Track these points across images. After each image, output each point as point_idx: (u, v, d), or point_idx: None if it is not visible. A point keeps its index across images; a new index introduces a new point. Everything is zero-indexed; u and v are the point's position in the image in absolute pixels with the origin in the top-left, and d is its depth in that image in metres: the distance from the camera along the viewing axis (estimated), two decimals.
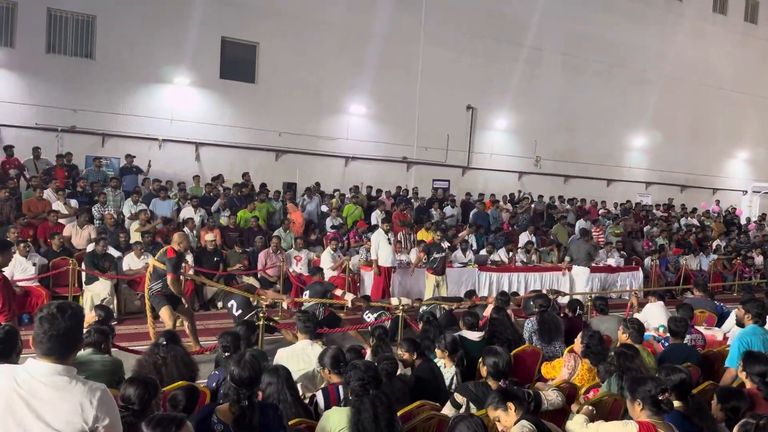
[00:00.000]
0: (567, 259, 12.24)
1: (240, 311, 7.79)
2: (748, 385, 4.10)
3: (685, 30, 22.77)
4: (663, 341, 6.33)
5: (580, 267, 11.88)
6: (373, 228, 12.98)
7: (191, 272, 9.48)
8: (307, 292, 8.39)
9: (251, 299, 7.95)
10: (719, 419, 3.73)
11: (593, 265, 12.12)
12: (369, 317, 8.37)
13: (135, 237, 10.30)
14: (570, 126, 20.80)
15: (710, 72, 23.52)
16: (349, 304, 8.45)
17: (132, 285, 9.23)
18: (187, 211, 11.65)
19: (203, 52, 15.04)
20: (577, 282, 11.92)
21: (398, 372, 4.78)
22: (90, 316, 5.57)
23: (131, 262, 9.35)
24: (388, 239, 10.26)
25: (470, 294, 9.23)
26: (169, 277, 6.65)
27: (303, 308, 7.95)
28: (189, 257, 9.64)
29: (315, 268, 9.76)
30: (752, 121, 24.83)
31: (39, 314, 2.41)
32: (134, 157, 13.34)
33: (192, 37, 14.74)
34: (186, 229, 10.82)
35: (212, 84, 15.32)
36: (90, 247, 9.32)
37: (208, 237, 10.46)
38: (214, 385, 4.42)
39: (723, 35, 23.87)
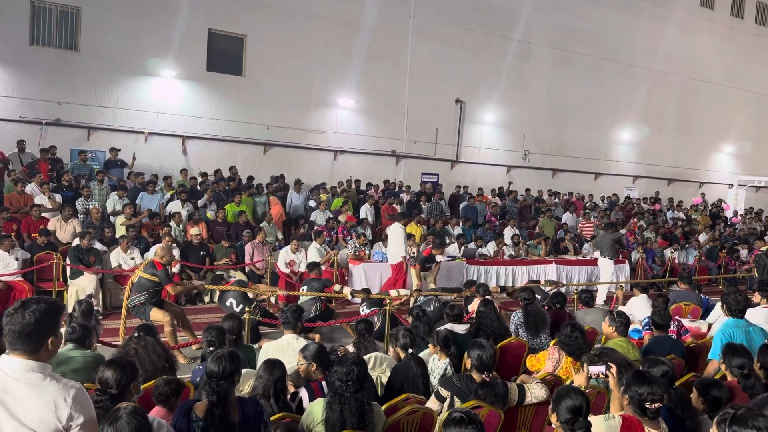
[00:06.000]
0: (597, 252, 12.22)
1: (240, 306, 7.77)
2: (729, 377, 4.13)
3: (674, 24, 22.84)
4: (641, 335, 6.37)
5: (605, 259, 11.80)
6: (361, 222, 12.97)
7: (177, 267, 9.42)
8: (304, 288, 8.38)
9: (248, 293, 7.95)
10: (701, 411, 3.75)
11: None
12: (364, 310, 8.35)
13: (120, 231, 10.22)
14: (559, 120, 20.85)
15: (698, 66, 23.65)
16: (349, 297, 8.43)
17: (118, 279, 9.16)
18: (174, 205, 11.55)
19: (190, 44, 14.91)
20: (603, 274, 11.86)
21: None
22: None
23: (119, 257, 9.30)
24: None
25: (470, 284, 9.07)
26: (168, 288, 7.05)
27: (299, 303, 7.92)
28: (176, 251, 9.59)
29: (312, 263, 9.66)
30: (739, 116, 24.96)
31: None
32: (119, 150, 13.19)
33: (178, 29, 14.62)
34: (172, 222, 10.76)
35: (199, 76, 15.19)
36: (75, 242, 9.23)
37: (193, 231, 10.37)
38: (198, 379, 4.32)
39: (710, 30, 23.97)
